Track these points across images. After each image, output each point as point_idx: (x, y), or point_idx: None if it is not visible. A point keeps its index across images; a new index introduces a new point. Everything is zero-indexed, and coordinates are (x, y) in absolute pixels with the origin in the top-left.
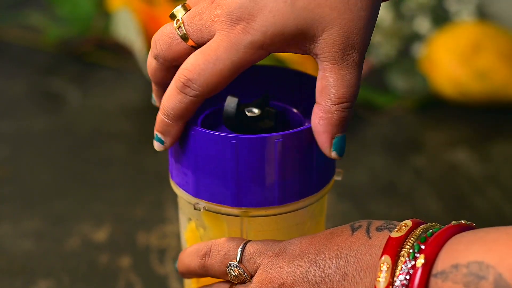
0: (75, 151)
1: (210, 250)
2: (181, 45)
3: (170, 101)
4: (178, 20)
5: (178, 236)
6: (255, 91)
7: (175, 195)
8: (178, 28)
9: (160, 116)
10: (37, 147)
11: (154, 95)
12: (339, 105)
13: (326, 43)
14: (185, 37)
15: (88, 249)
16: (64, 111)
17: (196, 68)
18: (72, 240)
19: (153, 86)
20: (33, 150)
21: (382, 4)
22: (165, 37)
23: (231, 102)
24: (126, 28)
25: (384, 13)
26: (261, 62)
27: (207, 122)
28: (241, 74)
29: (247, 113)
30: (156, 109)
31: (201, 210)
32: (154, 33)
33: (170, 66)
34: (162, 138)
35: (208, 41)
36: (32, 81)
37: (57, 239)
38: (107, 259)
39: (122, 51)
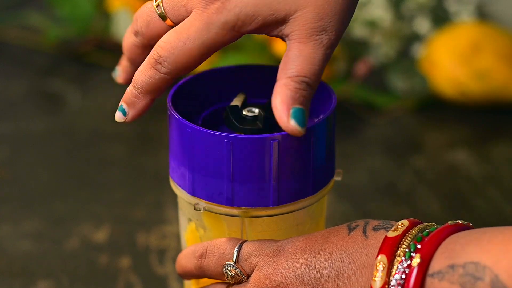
0: (75, 152)
1: (206, 251)
2: (159, 24)
3: (142, 75)
4: None
5: (178, 237)
6: (255, 91)
7: (174, 196)
8: (157, 7)
9: (130, 88)
10: (37, 148)
11: (119, 68)
12: (296, 77)
13: (296, 22)
14: (163, 16)
15: (87, 249)
16: (63, 112)
17: (168, 46)
18: (71, 240)
19: (124, 61)
20: (32, 151)
21: (382, 4)
22: (145, 15)
23: (234, 102)
24: (126, 28)
25: (384, 13)
26: (261, 62)
27: (209, 122)
28: (241, 74)
29: (247, 113)
30: (159, 111)
31: (201, 211)
32: None
33: (148, 44)
34: (126, 110)
35: (185, 19)
36: (31, 81)
37: (56, 240)
38: (106, 260)
39: (122, 52)
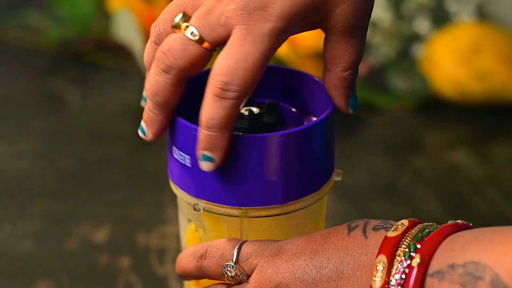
0: (75, 152)
1: (206, 251)
2: (197, 49)
3: (212, 111)
4: (187, 26)
5: (178, 237)
6: (255, 91)
7: (174, 196)
8: (190, 34)
9: (203, 132)
10: (37, 148)
11: (148, 126)
12: (349, 71)
13: (338, 19)
14: (200, 40)
15: (87, 249)
16: (64, 112)
17: (229, 69)
18: (71, 241)
19: (153, 114)
20: (33, 150)
21: (382, 5)
22: (177, 45)
23: None
24: (126, 28)
25: (384, 14)
26: None
27: None
28: None
29: (245, 112)
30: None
31: (201, 211)
32: None
33: (183, 77)
34: (211, 155)
35: (225, 39)
36: (31, 82)
37: (56, 240)
38: (106, 260)
39: (122, 52)
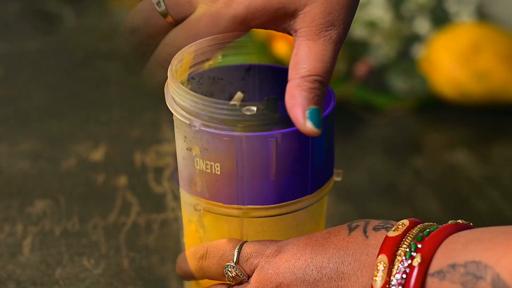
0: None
1: (207, 252)
2: (160, 21)
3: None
4: None
5: (178, 237)
6: (255, 91)
7: (177, 199)
8: (157, 4)
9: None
10: (37, 148)
11: None
12: (309, 77)
13: (305, 18)
14: (164, 13)
15: (89, 252)
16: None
17: (177, 43)
18: (72, 241)
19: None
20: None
21: (382, 5)
22: (144, 12)
23: (232, 101)
24: None
25: (384, 14)
26: (261, 62)
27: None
28: (242, 74)
29: (245, 111)
30: None
31: (201, 211)
32: None
33: (144, 43)
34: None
35: (188, 16)
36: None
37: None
38: (107, 260)
39: None
